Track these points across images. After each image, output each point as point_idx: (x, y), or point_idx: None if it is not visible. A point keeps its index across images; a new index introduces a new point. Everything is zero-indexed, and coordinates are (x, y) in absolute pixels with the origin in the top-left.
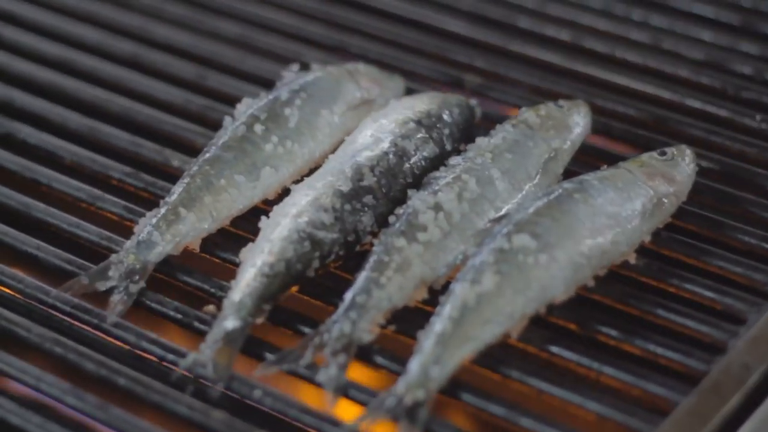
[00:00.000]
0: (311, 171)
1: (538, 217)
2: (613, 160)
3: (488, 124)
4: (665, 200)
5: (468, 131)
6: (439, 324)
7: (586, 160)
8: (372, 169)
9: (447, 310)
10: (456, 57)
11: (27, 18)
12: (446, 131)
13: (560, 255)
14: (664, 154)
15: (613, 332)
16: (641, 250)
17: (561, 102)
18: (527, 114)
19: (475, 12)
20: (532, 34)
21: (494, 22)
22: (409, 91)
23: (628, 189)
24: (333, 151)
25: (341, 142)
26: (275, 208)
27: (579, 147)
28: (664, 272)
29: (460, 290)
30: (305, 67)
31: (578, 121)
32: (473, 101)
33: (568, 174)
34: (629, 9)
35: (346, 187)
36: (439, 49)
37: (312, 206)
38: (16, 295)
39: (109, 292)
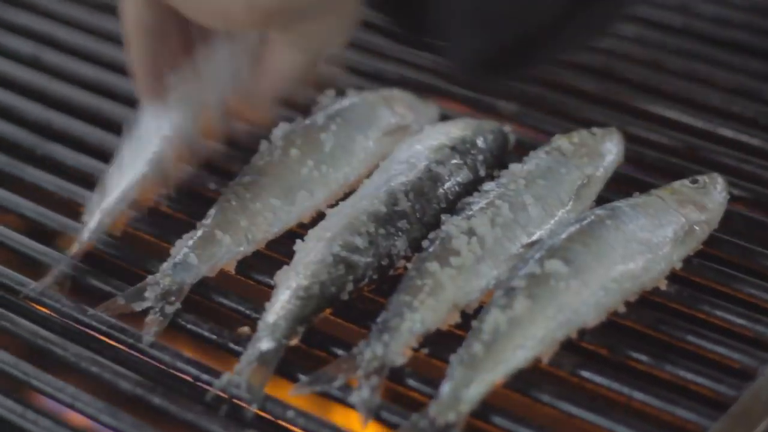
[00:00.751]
0: (346, 195)
1: (570, 243)
2: (645, 187)
3: (522, 150)
4: (696, 227)
5: (502, 157)
6: (470, 347)
7: (618, 187)
8: (406, 193)
9: (479, 333)
10: (492, 84)
11: (66, 41)
12: (480, 157)
13: (592, 280)
14: (695, 182)
15: (644, 357)
16: (672, 277)
17: (594, 129)
18: (560, 141)
19: None
20: (566, 61)
21: None
22: (444, 118)
23: (660, 216)
24: (368, 175)
25: (376, 167)
26: (310, 231)
27: (612, 174)
28: (695, 299)
29: (491, 314)
30: (341, 92)
31: (611, 149)
32: (507, 128)
33: (601, 201)
34: (663, 37)
35: (380, 212)
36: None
37: (346, 230)
38: (53, 314)
39: (145, 312)
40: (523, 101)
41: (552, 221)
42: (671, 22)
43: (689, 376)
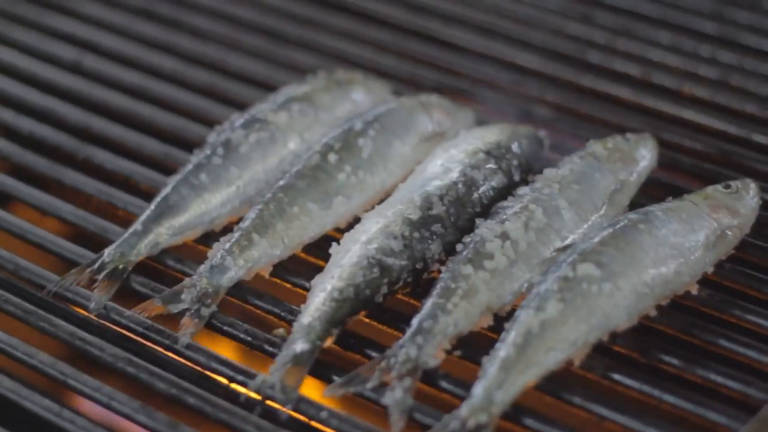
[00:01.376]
0: (382, 200)
1: (603, 247)
2: (679, 192)
3: (558, 156)
4: (728, 232)
5: (537, 162)
6: (503, 350)
7: (652, 192)
8: (441, 198)
9: (511, 336)
10: (528, 90)
11: (107, 47)
12: (515, 162)
13: (624, 284)
14: (728, 187)
15: (675, 361)
16: (704, 281)
17: (628, 135)
18: (595, 146)
19: (546, 47)
20: (602, 68)
21: (565, 56)
22: (481, 123)
23: (692, 221)
24: (404, 181)
25: (412, 172)
26: (346, 235)
27: (646, 180)
28: (726, 303)
29: (524, 317)
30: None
31: (645, 155)
32: (543, 133)
33: (635, 206)
34: (698, 45)
35: (415, 216)
36: (511, 82)
37: (382, 233)
38: (91, 315)
39: (182, 314)
40: (559, 107)
41: (585, 225)
42: (705, 29)
43: (720, 379)
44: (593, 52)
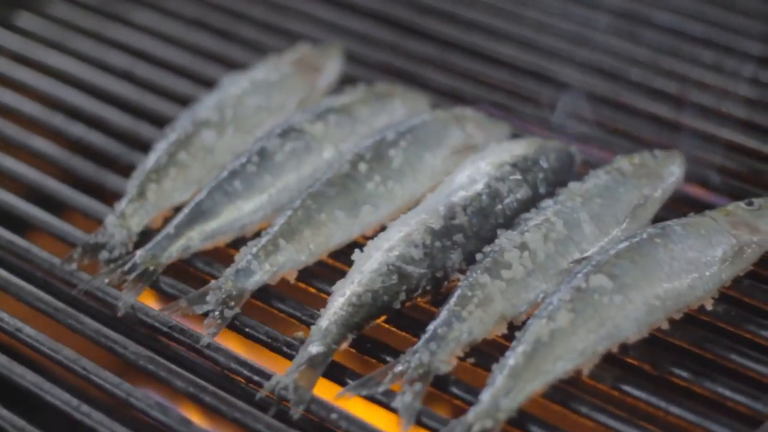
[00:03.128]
0: (410, 210)
1: (617, 259)
2: (705, 209)
3: (589, 170)
4: (747, 249)
5: (565, 176)
6: (512, 357)
7: (679, 208)
8: (464, 208)
9: (521, 344)
10: (565, 105)
11: (159, 56)
12: (541, 175)
13: (635, 296)
14: (751, 204)
15: (685, 373)
16: (722, 296)
17: (656, 151)
18: (621, 162)
19: (588, 63)
20: (642, 85)
21: (607, 73)
22: (515, 137)
23: (710, 236)
24: (432, 191)
25: (441, 183)
26: (369, 242)
27: (673, 195)
28: (741, 318)
29: (535, 326)
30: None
31: (671, 171)
32: (574, 148)
33: (659, 221)
34: (740, 65)
35: (437, 225)
36: (549, 97)
37: (403, 241)
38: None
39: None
40: (596, 123)
41: (606, 239)
42: (749, 50)
43: (727, 392)
44: (635, 69)
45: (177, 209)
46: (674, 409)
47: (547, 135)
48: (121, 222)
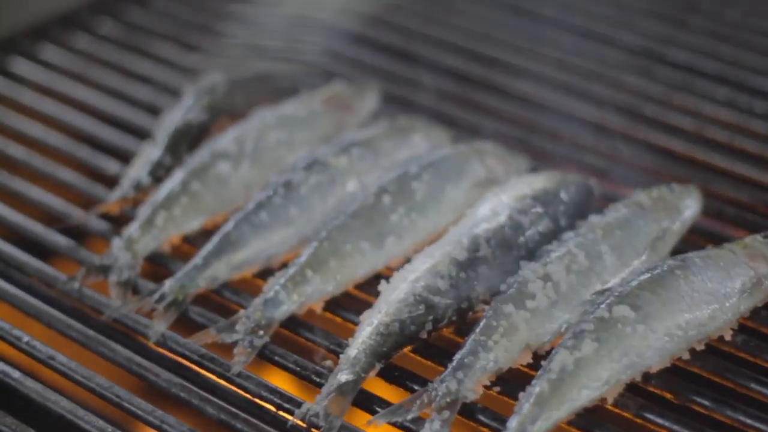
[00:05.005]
0: (432, 241)
1: (640, 290)
2: (722, 241)
3: (607, 204)
4: (765, 281)
5: (584, 209)
6: (538, 386)
7: (696, 240)
8: (488, 240)
9: (547, 372)
10: (583, 140)
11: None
12: (561, 208)
13: (658, 326)
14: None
15: (706, 402)
16: (740, 327)
17: (674, 186)
18: (640, 196)
19: (604, 99)
20: (656, 121)
21: (622, 108)
22: (534, 171)
23: (729, 268)
24: (455, 223)
25: (463, 215)
26: (395, 273)
27: (690, 228)
28: (760, 348)
29: (560, 355)
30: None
31: (689, 205)
32: (593, 182)
33: (677, 253)
34: (753, 101)
35: (462, 257)
36: (567, 132)
37: (429, 273)
38: (149, 342)
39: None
40: (612, 157)
41: (627, 270)
42: (763, 87)
43: (748, 420)
44: (649, 105)
45: (185, 237)
46: None
47: (564, 168)
48: (127, 245)
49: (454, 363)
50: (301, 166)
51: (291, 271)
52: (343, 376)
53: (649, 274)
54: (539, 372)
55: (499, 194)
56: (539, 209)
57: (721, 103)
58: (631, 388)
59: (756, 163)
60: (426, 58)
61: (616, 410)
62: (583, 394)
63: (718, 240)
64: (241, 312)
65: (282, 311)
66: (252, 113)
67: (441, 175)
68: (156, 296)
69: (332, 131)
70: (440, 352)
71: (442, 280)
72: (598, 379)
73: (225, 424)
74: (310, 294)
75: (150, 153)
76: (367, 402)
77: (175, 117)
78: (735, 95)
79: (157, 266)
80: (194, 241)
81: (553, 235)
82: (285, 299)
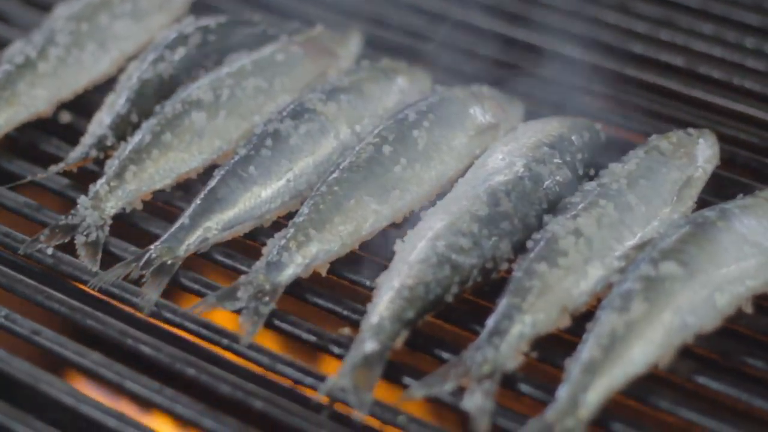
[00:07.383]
0: (438, 194)
1: (683, 245)
2: (739, 187)
3: (611, 148)
4: None
5: (597, 155)
6: (587, 352)
7: (711, 187)
8: (507, 193)
9: (595, 337)
10: (573, 81)
11: None
12: (578, 156)
13: (707, 282)
14: None
15: (759, 363)
16: None
17: (690, 130)
18: (658, 141)
19: (588, 36)
20: (647, 58)
21: (607, 46)
22: (529, 115)
23: None
24: (459, 176)
25: (467, 167)
26: (409, 232)
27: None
28: None
29: (608, 317)
30: None
31: (707, 150)
32: (599, 126)
33: (700, 201)
34: (742, 37)
35: (483, 212)
36: (554, 72)
37: (449, 230)
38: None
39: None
40: (607, 98)
41: (655, 221)
42: (749, 21)
43: None
44: (636, 43)
45: (157, 193)
46: (757, 401)
47: (556, 112)
48: (94, 204)
49: (489, 328)
50: (288, 115)
51: (291, 230)
52: (369, 346)
53: (689, 227)
54: (585, 336)
55: (509, 143)
56: (557, 158)
57: (710, 38)
58: (682, 351)
59: (757, 103)
60: None
61: (668, 375)
62: (637, 360)
63: (734, 186)
64: (243, 277)
65: (287, 275)
66: (227, 59)
67: (442, 122)
68: (142, 261)
69: (314, 78)
70: (464, 315)
71: (464, 238)
72: (651, 342)
73: (242, 403)
74: (316, 254)
75: (114, 106)
76: (396, 373)
77: (142, 66)
78: (722, 30)
79: (128, 226)
80: (168, 198)
81: (571, 185)
82: (289, 261)
